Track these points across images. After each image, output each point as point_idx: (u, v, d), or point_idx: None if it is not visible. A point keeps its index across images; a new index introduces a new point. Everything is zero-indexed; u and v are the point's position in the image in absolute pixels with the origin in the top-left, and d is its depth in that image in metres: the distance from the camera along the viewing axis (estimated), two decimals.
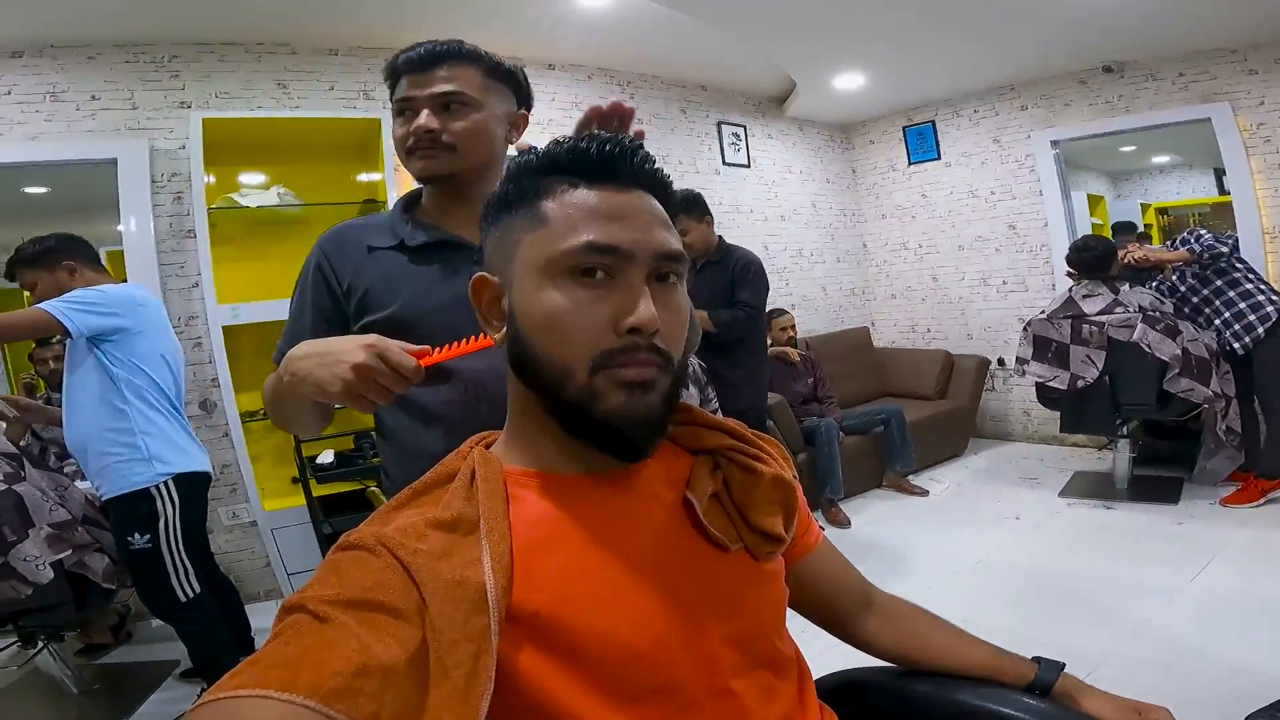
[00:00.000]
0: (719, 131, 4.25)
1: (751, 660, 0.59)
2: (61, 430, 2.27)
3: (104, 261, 2.97)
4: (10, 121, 2.59)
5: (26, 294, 1.97)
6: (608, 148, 0.57)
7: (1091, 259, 3.08)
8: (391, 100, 0.94)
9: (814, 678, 0.71)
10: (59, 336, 2.48)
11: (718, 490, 0.62)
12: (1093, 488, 3.33)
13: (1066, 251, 3.26)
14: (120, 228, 2.70)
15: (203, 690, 2.25)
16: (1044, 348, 3.17)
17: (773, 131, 4.58)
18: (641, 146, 0.59)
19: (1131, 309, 2.91)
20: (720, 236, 2.67)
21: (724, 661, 0.57)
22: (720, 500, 0.62)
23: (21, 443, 2.23)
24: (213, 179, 2.72)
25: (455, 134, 0.90)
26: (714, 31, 3.22)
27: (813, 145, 4.83)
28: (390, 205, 3.27)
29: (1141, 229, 4.35)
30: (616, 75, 3.83)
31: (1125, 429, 3.17)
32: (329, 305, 0.94)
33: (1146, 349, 2.79)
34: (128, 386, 1.88)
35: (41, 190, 3.20)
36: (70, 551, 1.82)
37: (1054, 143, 4.09)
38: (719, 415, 0.71)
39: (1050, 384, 3.14)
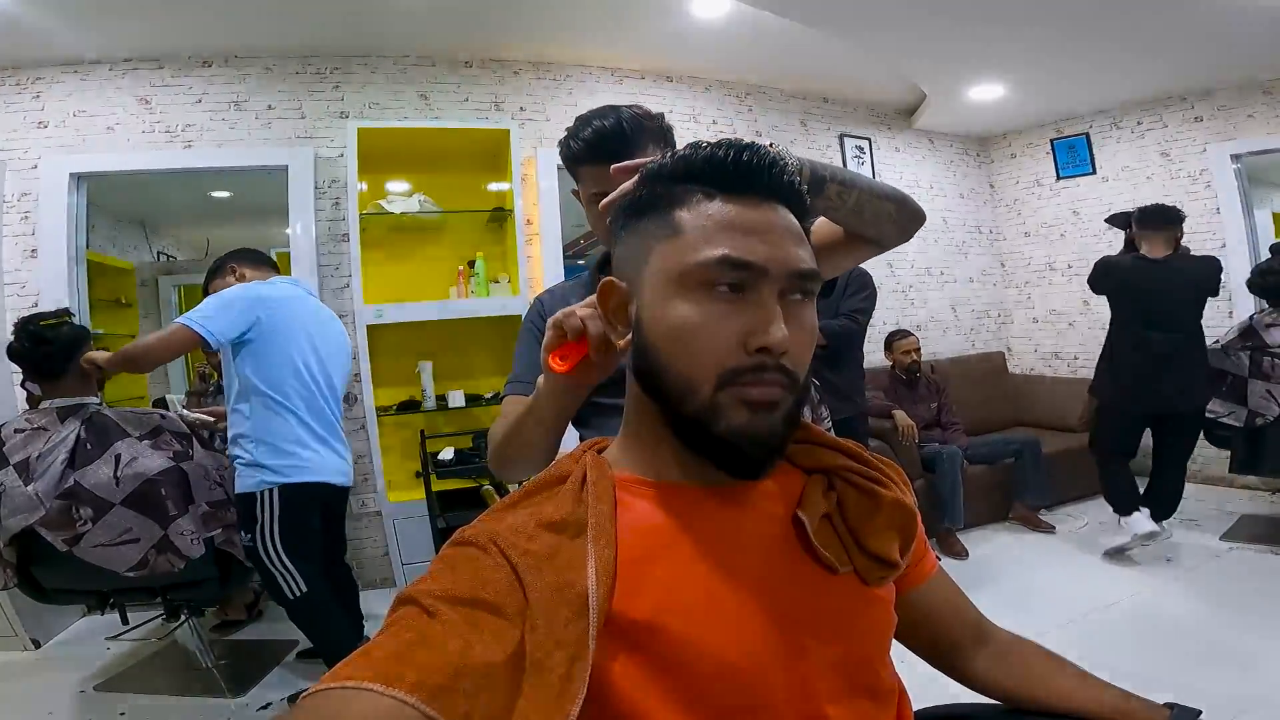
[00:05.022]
0: (841, 144, 4.11)
1: (851, 687, 0.57)
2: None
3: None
4: (200, 129, 2.89)
5: None
6: (744, 157, 0.55)
7: (1277, 283, 2.73)
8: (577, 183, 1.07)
9: (914, 709, 0.67)
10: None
11: (830, 511, 0.60)
12: (1262, 532, 2.96)
13: (1248, 276, 2.92)
14: (288, 231, 2.97)
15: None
16: (1217, 381, 2.82)
17: (900, 144, 4.37)
18: (780, 158, 0.57)
19: None
20: None
21: (821, 686, 0.55)
22: (832, 521, 0.60)
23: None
24: (365, 186, 2.95)
25: None
26: (836, 42, 3.11)
27: (944, 159, 4.57)
28: (517, 214, 3.33)
29: None
30: (734, 87, 3.79)
31: None
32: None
33: None
34: (253, 391, 1.88)
35: (225, 194, 3.60)
36: (220, 530, 1.92)
37: (1235, 157, 3.68)
38: (833, 434, 0.68)
39: (1223, 420, 2.80)
